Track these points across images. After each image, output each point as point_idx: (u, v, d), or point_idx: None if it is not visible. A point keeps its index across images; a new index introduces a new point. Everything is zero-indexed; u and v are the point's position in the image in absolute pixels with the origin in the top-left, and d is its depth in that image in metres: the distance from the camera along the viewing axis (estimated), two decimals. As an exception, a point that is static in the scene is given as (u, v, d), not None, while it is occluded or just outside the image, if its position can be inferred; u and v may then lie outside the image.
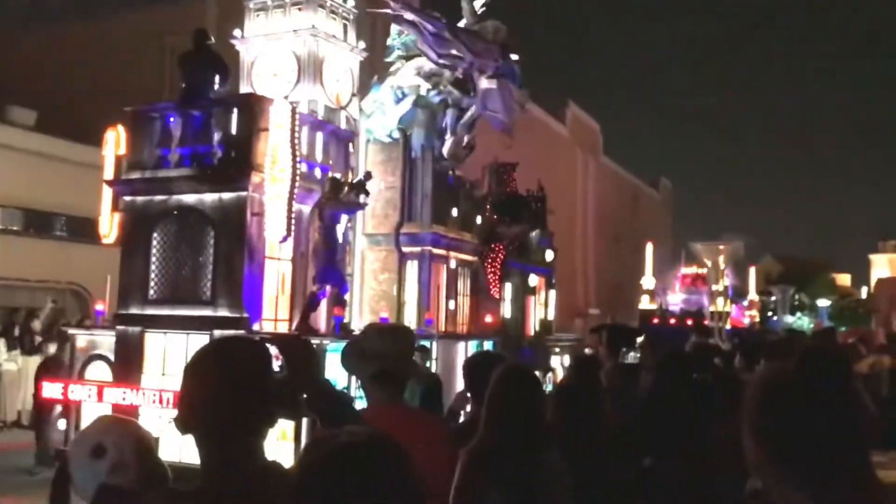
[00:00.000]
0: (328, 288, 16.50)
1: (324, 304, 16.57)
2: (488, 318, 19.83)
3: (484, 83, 19.44)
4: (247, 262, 15.39)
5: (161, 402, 13.88)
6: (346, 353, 3.71)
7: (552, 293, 22.84)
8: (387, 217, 18.99)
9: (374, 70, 20.37)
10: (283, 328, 16.23)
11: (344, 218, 16.46)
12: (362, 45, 18.94)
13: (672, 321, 34.23)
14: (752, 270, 55.02)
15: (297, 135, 15.41)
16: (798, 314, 68.37)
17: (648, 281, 42.54)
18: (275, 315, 16.19)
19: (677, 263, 46.77)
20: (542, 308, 22.62)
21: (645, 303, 41.22)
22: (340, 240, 16.45)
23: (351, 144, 18.73)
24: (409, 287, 18.83)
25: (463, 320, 19.92)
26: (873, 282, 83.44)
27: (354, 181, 17.29)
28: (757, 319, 48.04)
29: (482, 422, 3.86)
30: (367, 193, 17.44)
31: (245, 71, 17.69)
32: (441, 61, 18.94)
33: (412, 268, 18.84)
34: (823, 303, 71.53)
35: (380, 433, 1.83)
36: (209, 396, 2.36)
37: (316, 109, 17.82)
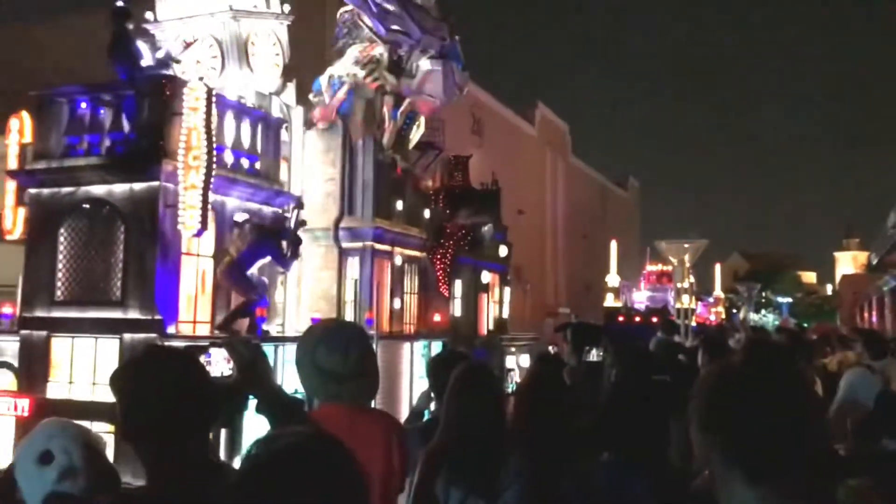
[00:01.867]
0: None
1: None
2: (437, 317, 17.94)
3: (426, 64, 17.67)
4: (160, 259, 13.50)
5: (16, 409, 12.09)
6: (299, 353, 3.39)
7: (507, 290, 20.99)
8: (326, 211, 17.13)
9: (326, 61, 18.55)
10: (203, 330, 14.32)
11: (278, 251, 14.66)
12: (287, 7, 16.91)
13: (637, 319, 32.41)
14: (718, 267, 53.42)
15: (212, 118, 13.48)
16: (763, 311, 67.10)
17: (613, 278, 40.73)
18: (193, 316, 14.26)
19: (644, 261, 45.18)
20: (496, 306, 20.74)
21: (610, 301, 39.40)
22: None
23: (285, 132, 16.84)
24: (350, 285, 16.94)
25: (410, 319, 18.06)
26: (838, 279, 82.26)
27: (285, 230, 15.21)
28: (723, 316, 46.38)
29: (441, 421, 3.76)
30: (298, 243, 15.54)
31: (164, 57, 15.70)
32: (387, 36, 17.18)
33: (353, 264, 16.97)
34: (785, 300, 70.18)
35: (324, 434, 1.77)
36: (139, 406, 2.30)
37: (244, 95, 15.93)
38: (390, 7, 16.96)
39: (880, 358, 7.98)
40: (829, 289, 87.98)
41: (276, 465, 1.62)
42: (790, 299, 71.09)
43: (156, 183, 13.51)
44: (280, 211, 14.62)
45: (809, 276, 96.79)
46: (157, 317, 13.44)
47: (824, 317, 67.45)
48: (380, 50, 17.87)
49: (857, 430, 5.44)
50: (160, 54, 14.12)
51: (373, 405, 3.86)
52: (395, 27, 17.11)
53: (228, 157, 14.83)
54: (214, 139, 14.17)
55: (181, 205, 13.33)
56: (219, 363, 11.47)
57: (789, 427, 1.81)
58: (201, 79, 13.96)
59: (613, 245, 43.27)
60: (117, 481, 2.71)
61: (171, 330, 13.63)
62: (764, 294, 70.93)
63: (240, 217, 14.87)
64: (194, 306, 14.32)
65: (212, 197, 14.24)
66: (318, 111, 17.58)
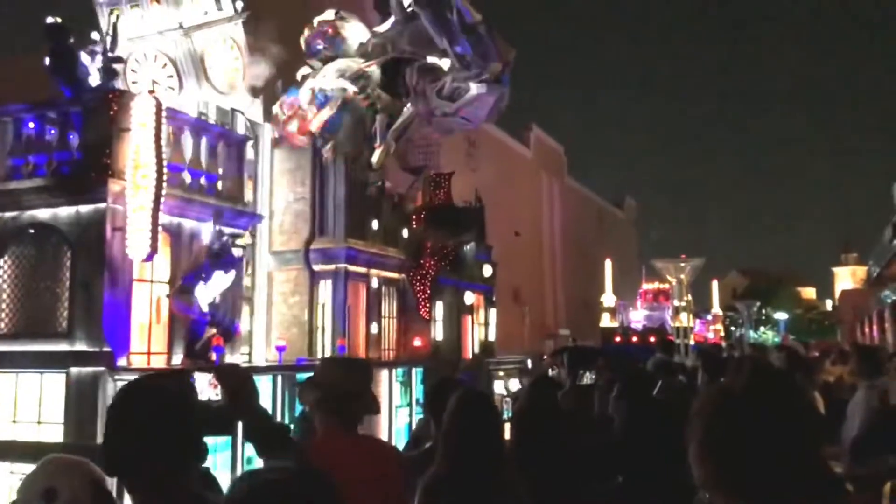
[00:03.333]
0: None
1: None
2: (417, 342, 16.62)
3: (477, 88, 16.74)
4: (108, 287, 12.24)
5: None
6: (301, 386, 3.54)
7: (493, 311, 19.65)
8: (297, 232, 15.90)
9: (289, 73, 17.37)
10: (158, 363, 13.02)
11: (219, 278, 13.20)
12: (240, 4, 15.72)
13: (634, 339, 31.12)
14: (715, 284, 51.97)
15: (162, 133, 12.28)
16: (762, 329, 65.58)
17: (609, 298, 39.39)
18: (147, 347, 12.97)
19: (641, 280, 43.88)
20: (481, 328, 19.41)
21: (606, 321, 38.03)
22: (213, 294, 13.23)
23: (251, 150, 15.64)
24: (322, 310, 15.65)
25: (389, 345, 16.75)
26: (837, 294, 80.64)
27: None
28: (722, 334, 44.92)
29: (439, 449, 3.66)
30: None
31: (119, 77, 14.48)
32: (460, 53, 16.21)
33: (325, 288, 15.68)
34: (782, 316, 68.67)
35: (308, 470, 1.78)
36: (129, 438, 2.21)
37: (205, 112, 14.75)
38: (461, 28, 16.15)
39: (875, 373, 7.78)
40: (828, 304, 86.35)
41: (257, 501, 1.59)
42: (787, 315, 69.53)
43: (102, 205, 12.30)
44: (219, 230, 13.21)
45: (809, 292, 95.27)
46: (106, 349, 12.16)
47: (825, 333, 66.01)
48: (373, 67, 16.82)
49: (851, 450, 5.65)
50: (98, 63, 12.89)
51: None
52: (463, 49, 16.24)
53: (186, 177, 13.60)
54: (167, 157, 13.00)
55: (129, 227, 12.08)
56: (204, 390, 10.12)
57: (787, 452, 1.79)
58: (151, 92, 12.78)
59: (608, 264, 41.97)
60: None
61: (121, 362, 12.35)
62: (763, 311, 69.47)
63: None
64: (148, 336, 13.03)
65: (166, 219, 13.06)
66: (296, 125, 16.35)
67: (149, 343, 13.03)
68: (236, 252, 12.98)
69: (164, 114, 12.41)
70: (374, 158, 17.57)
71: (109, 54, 13.01)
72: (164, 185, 12.49)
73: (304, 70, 16.35)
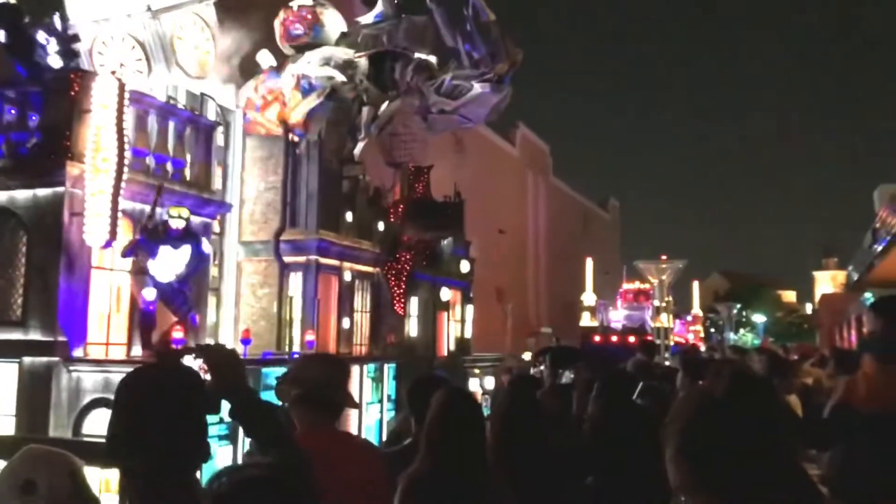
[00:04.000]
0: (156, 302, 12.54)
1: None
2: (391, 337, 16.09)
3: (480, 87, 16.40)
4: (64, 274, 11.66)
5: None
6: (279, 382, 3.47)
7: (469, 308, 19.12)
8: (267, 222, 15.32)
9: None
10: (117, 353, 12.44)
11: (167, 252, 12.47)
12: None
13: (613, 338, 30.62)
14: (696, 285, 51.58)
15: (124, 115, 11.68)
16: (742, 331, 65.36)
17: (589, 297, 38.84)
18: (106, 337, 12.39)
19: (622, 280, 43.50)
20: (457, 325, 18.87)
21: (586, 320, 37.50)
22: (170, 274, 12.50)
23: (222, 137, 15.05)
24: (292, 303, 15.08)
25: (361, 340, 16.19)
26: (817, 297, 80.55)
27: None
28: (702, 335, 44.52)
29: (422, 447, 3.55)
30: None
31: (84, 59, 13.82)
32: (469, 51, 15.93)
33: (295, 280, 15.11)
34: (760, 318, 68.37)
35: (283, 466, 1.74)
36: (130, 425, 2.17)
37: (175, 97, 14.15)
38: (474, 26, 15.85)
39: (851, 374, 7.08)
40: (808, 308, 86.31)
41: (238, 497, 1.59)
42: (765, 318, 69.36)
43: (61, 188, 11.71)
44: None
45: (789, 295, 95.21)
46: (61, 338, 11.59)
47: (804, 336, 65.91)
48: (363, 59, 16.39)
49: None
50: (56, 46, 12.25)
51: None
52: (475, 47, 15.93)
53: (151, 162, 13.01)
54: (132, 141, 12.42)
55: (87, 212, 11.49)
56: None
57: (764, 457, 1.79)
58: (113, 72, 12.18)
59: (589, 263, 41.54)
60: None
61: (77, 353, 11.78)
62: (744, 313, 69.29)
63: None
64: (107, 326, 12.45)
65: (128, 205, 12.47)
66: (275, 112, 15.76)
67: (108, 333, 12.46)
68: (175, 224, 12.28)
69: (126, 95, 11.81)
70: (357, 151, 17.09)
71: (68, 33, 12.36)
72: (126, 169, 11.93)
73: (264, 55, 15.66)
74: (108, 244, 11.65)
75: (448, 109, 17.41)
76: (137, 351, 12.70)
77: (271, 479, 1.62)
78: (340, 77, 16.10)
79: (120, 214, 11.82)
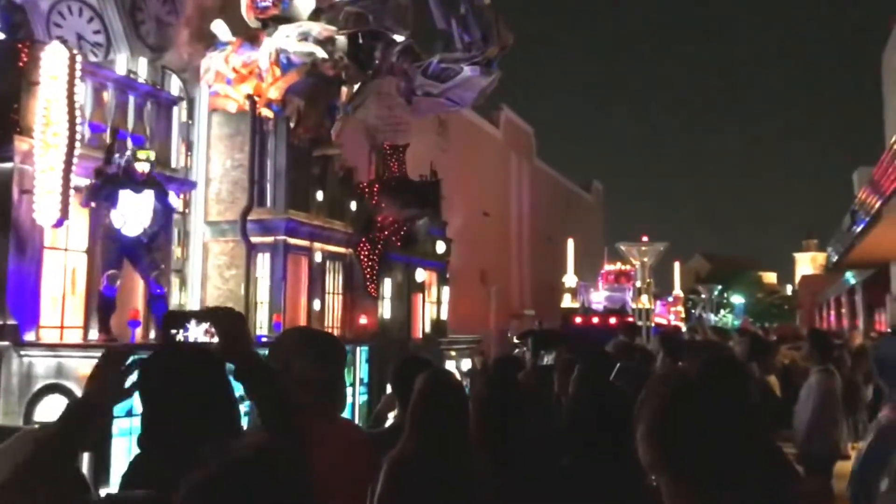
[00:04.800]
0: (118, 282, 11.85)
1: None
2: (363, 320, 15.47)
3: (470, 71, 15.83)
4: (14, 254, 10.99)
5: None
6: (272, 361, 3.05)
7: (445, 289, 18.52)
8: (234, 202, 14.64)
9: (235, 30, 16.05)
10: (73, 337, 11.77)
11: (128, 197, 11.69)
12: None
13: (595, 320, 30.13)
14: (677, 266, 51.19)
15: (76, 87, 10.95)
16: (722, 312, 65.23)
17: (570, 279, 38.29)
18: (61, 321, 11.72)
19: (608, 262, 43.01)
20: (433, 307, 18.27)
21: (567, 301, 36.97)
22: (137, 226, 11.76)
23: (185, 113, 14.32)
24: (260, 285, 14.43)
25: (333, 322, 15.57)
26: (797, 279, 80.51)
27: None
28: (682, 316, 44.16)
29: (406, 429, 3.58)
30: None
31: (40, 30, 13.02)
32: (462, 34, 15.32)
33: (263, 261, 14.45)
34: (738, 300, 68.22)
35: (269, 446, 1.72)
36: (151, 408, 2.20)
37: (136, 71, 13.40)
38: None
39: (826, 360, 7.76)
40: (788, 289, 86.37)
41: (225, 481, 1.54)
42: (743, 300, 69.26)
43: (9, 164, 11.02)
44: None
45: (770, 277, 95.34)
46: (11, 321, 10.92)
47: (784, 317, 65.88)
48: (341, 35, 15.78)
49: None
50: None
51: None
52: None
53: (108, 138, 12.28)
54: (86, 115, 11.71)
55: (37, 189, 10.79)
56: (199, 338, 8.89)
57: (736, 437, 1.78)
58: (64, 41, 11.44)
59: (570, 244, 41.06)
60: (86, 488, 2.50)
61: (29, 337, 11.11)
62: (725, 295, 69.14)
63: None
64: (61, 309, 11.77)
65: (84, 182, 11.78)
66: (251, 87, 15.04)
67: (62, 316, 11.79)
68: (140, 168, 11.63)
69: (78, 67, 11.08)
70: (334, 130, 16.46)
71: (13, 2, 11.61)
72: (79, 144, 11.23)
73: (219, 25, 14.90)
74: (59, 223, 10.96)
75: (434, 92, 16.82)
76: (96, 334, 12.05)
77: (258, 461, 1.56)
78: (322, 53, 15.40)
79: (73, 192, 11.14)
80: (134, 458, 2.30)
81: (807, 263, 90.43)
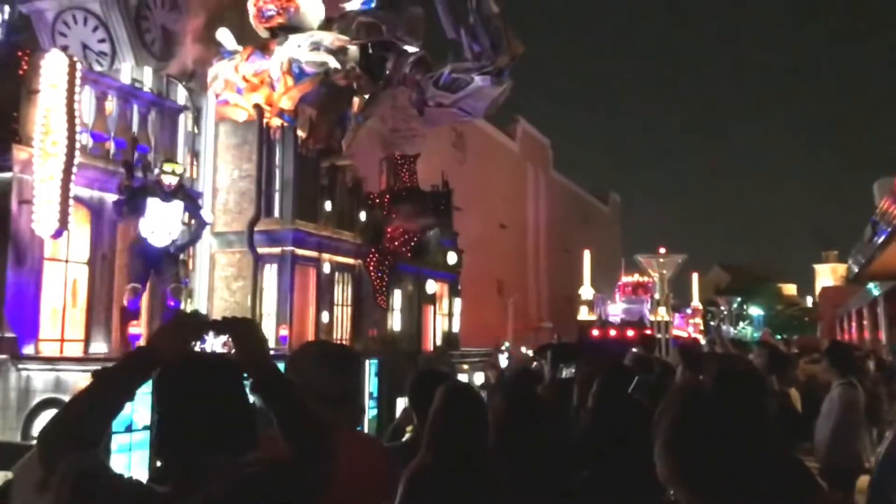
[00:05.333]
0: (143, 294, 11.68)
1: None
2: (372, 332, 15.08)
3: (481, 81, 15.53)
4: (12, 265, 10.70)
5: None
6: (290, 374, 3.01)
7: (457, 301, 18.08)
8: (241, 212, 14.33)
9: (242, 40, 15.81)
10: (74, 350, 11.46)
11: (157, 207, 11.51)
12: None
13: (612, 332, 29.56)
14: (695, 277, 50.36)
15: (76, 95, 10.68)
16: (741, 324, 64.16)
17: (587, 291, 37.67)
18: (61, 334, 11.41)
19: (625, 274, 42.34)
20: (444, 319, 17.84)
21: (584, 314, 36.37)
22: (165, 236, 11.55)
23: (193, 124, 14.05)
24: (267, 296, 14.08)
25: (342, 334, 15.18)
26: (818, 291, 79.28)
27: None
28: (701, 328, 43.35)
29: (424, 441, 3.53)
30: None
31: (45, 39, 12.80)
32: (471, 44, 15.08)
33: (270, 273, 14.10)
34: (756, 311, 67.08)
35: (281, 462, 1.70)
36: (168, 420, 2.12)
37: (140, 79, 13.14)
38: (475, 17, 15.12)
39: (847, 373, 7.56)
40: (809, 301, 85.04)
41: (241, 496, 1.57)
42: (761, 311, 68.20)
43: (8, 174, 10.74)
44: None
45: (790, 289, 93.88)
46: (9, 334, 10.61)
47: (805, 329, 64.80)
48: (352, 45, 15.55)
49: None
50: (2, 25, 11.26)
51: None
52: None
53: (112, 147, 12.03)
54: (88, 124, 11.45)
55: (36, 199, 10.50)
56: (216, 349, 8.61)
57: (749, 453, 1.76)
58: (65, 48, 11.19)
59: (587, 255, 40.45)
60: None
61: (28, 350, 10.80)
62: (744, 307, 68.13)
63: None
64: (62, 322, 11.47)
65: (86, 192, 11.52)
66: (262, 97, 14.78)
67: (63, 329, 11.48)
68: (167, 181, 11.42)
69: (78, 74, 10.81)
70: (345, 141, 16.15)
71: (19, 9, 11.38)
72: (79, 153, 10.96)
73: (224, 33, 14.65)
74: (58, 233, 10.66)
75: (446, 103, 16.49)
76: (98, 348, 11.74)
77: (272, 475, 1.58)
78: (335, 63, 15.13)
79: (73, 202, 10.85)
80: (153, 473, 2.26)
81: (827, 275, 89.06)
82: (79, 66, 10.88)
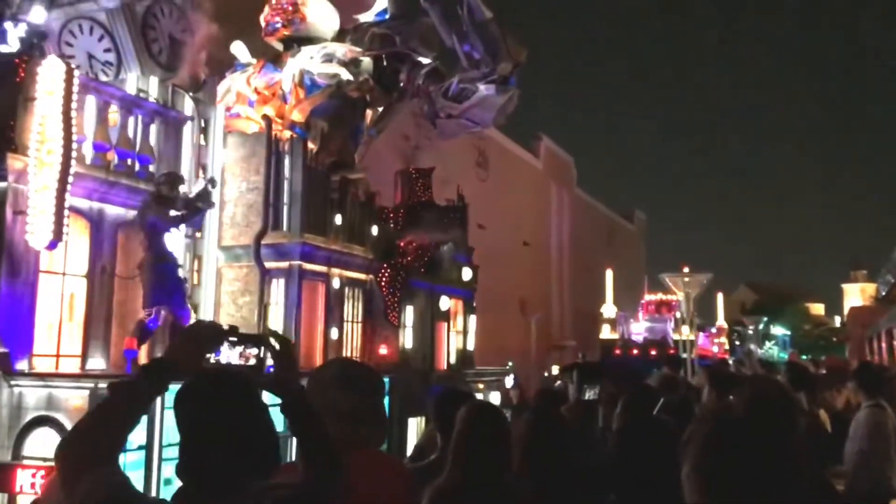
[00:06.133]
0: (163, 313, 11.25)
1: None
2: (383, 350, 14.48)
3: (485, 89, 15.10)
4: (6, 278, 10.27)
5: None
6: (310, 392, 2.78)
7: (472, 318, 17.41)
8: (249, 225, 13.84)
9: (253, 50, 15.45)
10: (69, 367, 10.97)
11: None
12: None
13: (635, 351, 28.73)
14: (720, 296, 49.20)
15: (73, 103, 10.26)
16: (767, 344, 62.75)
17: (609, 309, 36.75)
18: (57, 349, 10.93)
19: (649, 292, 41.42)
20: (459, 336, 17.18)
21: (606, 332, 35.47)
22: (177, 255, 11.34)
23: (201, 136, 13.61)
24: (274, 312, 13.54)
25: (352, 352, 14.58)
26: (846, 310, 77.47)
27: (198, 189, 12.16)
28: (726, 347, 42.23)
29: (448, 460, 3.46)
30: (208, 203, 12.25)
31: (52, 50, 12.40)
32: (468, 51, 14.68)
33: (278, 287, 13.56)
34: (779, 331, 65.50)
35: (310, 485, 1.71)
36: (191, 438, 2.07)
37: (146, 89, 12.73)
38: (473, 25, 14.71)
39: (876, 395, 7.18)
40: (837, 321, 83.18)
41: None
42: (784, 331, 66.65)
43: (3, 184, 10.31)
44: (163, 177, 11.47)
45: (818, 308, 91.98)
46: (2, 349, 10.15)
47: (833, 349, 63.25)
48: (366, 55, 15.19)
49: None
50: (21, 32, 10.87)
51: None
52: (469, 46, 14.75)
53: (113, 158, 11.60)
54: (87, 133, 11.03)
55: (31, 209, 10.06)
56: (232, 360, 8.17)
57: (783, 479, 1.73)
58: (62, 55, 10.79)
59: (609, 274, 39.58)
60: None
61: (21, 365, 10.32)
62: (771, 327, 66.65)
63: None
64: (58, 337, 10.99)
65: (85, 203, 11.09)
66: (273, 109, 14.41)
67: (58, 344, 10.99)
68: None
69: (76, 81, 10.39)
70: (358, 155, 15.67)
71: (31, 23, 11.02)
72: (77, 163, 10.53)
73: (238, 46, 14.28)
74: (52, 245, 10.22)
75: (455, 114, 16.00)
76: (95, 364, 11.25)
77: (303, 499, 1.58)
78: (347, 75, 14.71)
79: (71, 213, 10.42)
80: (176, 491, 2.16)
81: (856, 294, 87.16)
82: (77, 73, 10.46)
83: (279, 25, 14.66)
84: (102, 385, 9.84)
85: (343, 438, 2.73)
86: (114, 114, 11.73)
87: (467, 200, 18.34)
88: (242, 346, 2.43)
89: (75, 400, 9.97)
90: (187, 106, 13.43)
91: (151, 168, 12.12)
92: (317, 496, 1.61)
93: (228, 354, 6.86)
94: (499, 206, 39.22)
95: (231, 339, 2.38)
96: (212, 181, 12.46)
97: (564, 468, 3.88)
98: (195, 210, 11.80)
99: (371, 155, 16.72)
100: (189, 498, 2.01)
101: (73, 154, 10.28)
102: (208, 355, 2.30)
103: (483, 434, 3.38)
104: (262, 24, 14.90)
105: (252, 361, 2.33)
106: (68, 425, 9.84)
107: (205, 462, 2.00)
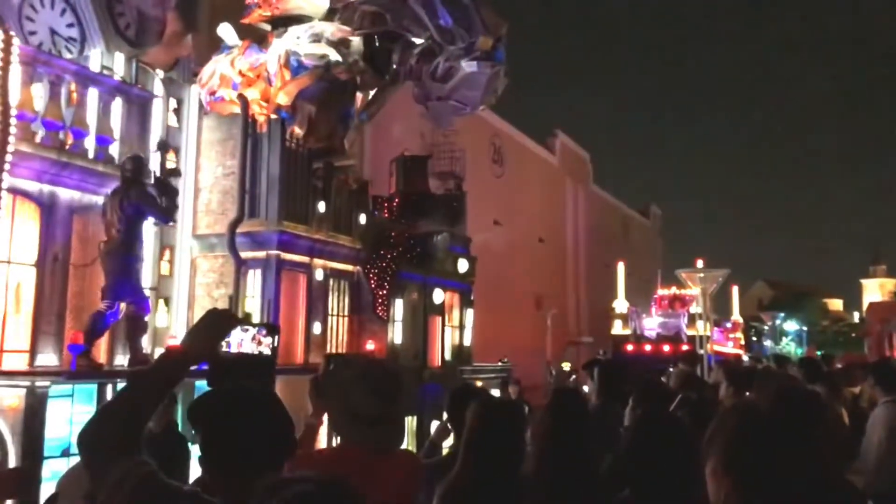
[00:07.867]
0: (123, 306, 10.06)
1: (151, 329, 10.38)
2: (370, 345, 13.21)
3: (467, 66, 13.84)
4: (-59, 266, 9.04)
5: None
6: (329, 390, 3.21)
7: (469, 312, 16.07)
8: (224, 213, 12.65)
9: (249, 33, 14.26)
10: (16, 362, 9.79)
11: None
12: None
13: (648, 347, 27.28)
14: (735, 290, 47.48)
15: (9, 75, 9.07)
16: (784, 339, 60.90)
17: (621, 304, 35.23)
18: (0, 343, 9.73)
19: (662, 287, 39.99)
20: (455, 331, 15.86)
21: (618, 328, 33.99)
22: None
23: (172, 116, 12.40)
24: (251, 305, 12.31)
25: (337, 347, 13.32)
26: (865, 306, 75.24)
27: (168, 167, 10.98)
28: (742, 343, 40.55)
29: (460, 456, 3.43)
30: (176, 175, 11.05)
31: (12, 25, 11.27)
32: (442, 24, 13.43)
33: (255, 279, 12.33)
34: (792, 327, 63.56)
35: (330, 479, 1.65)
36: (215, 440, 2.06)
37: (111, 67, 11.53)
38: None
39: (893, 391, 7.03)
40: (856, 316, 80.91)
41: None
42: (797, 327, 64.73)
43: (-62, 163, 9.10)
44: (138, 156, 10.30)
45: (836, 304, 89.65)
46: (-64, 343, 8.99)
47: (852, 345, 61.37)
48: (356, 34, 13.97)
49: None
50: None
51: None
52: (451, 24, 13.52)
53: (66, 137, 10.40)
54: (36, 110, 9.84)
55: (-35, 192, 8.89)
56: (246, 346, 7.13)
57: (809, 476, 1.69)
58: (21, 31, 9.62)
59: (621, 268, 38.16)
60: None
61: (-41, 362, 9.16)
62: (787, 322, 64.78)
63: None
64: (1, 330, 9.81)
65: (34, 186, 9.91)
66: (258, 92, 13.19)
67: (2, 338, 9.81)
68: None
69: (14, 50, 9.20)
70: (347, 140, 14.40)
71: None
72: (24, 142, 9.36)
73: (225, 28, 13.05)
74: (-13, 229, 9.04)
75: (442, 95, 14.74)
76: (46, 360, 10.07)
77: (322, 493, 1.54)
78: (335, 56, 13.45)
79: (13, 195, 9.27)
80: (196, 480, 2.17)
81: (875, 290, 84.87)
82: (16, 41, 9.27)
83: (254, 6, 13.45)
84: (41, 383, 8.68)
85: (360, 440, 2.78)
86: (68, 90, 10.53)
87: (465, 190, 17.03)
88: (255, 330, 2.44)
89: (10, 399, 8.81)
90: (158, 86, 12.23)
91: (111, 149, 10.92)
92: (348, 492, 1.49)
93: (241, 337, 5.52)
94: (514, 203, 38.07)
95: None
96: (175, 171, 11.27)
97: (582, 467, 3.71)
98: (172, 191, 10.64)
99: (365, 141, 15.52)
100: (212, 491, 1.97)
101: (13, 130, 9.10)
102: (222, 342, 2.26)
103: (494, 430, 3.30)
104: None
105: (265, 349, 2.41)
106: (3, 427, 8.69)
107: (227, 459, 1.98)
